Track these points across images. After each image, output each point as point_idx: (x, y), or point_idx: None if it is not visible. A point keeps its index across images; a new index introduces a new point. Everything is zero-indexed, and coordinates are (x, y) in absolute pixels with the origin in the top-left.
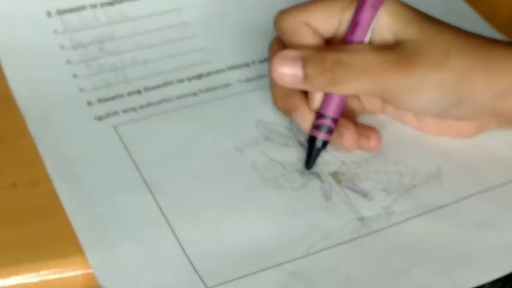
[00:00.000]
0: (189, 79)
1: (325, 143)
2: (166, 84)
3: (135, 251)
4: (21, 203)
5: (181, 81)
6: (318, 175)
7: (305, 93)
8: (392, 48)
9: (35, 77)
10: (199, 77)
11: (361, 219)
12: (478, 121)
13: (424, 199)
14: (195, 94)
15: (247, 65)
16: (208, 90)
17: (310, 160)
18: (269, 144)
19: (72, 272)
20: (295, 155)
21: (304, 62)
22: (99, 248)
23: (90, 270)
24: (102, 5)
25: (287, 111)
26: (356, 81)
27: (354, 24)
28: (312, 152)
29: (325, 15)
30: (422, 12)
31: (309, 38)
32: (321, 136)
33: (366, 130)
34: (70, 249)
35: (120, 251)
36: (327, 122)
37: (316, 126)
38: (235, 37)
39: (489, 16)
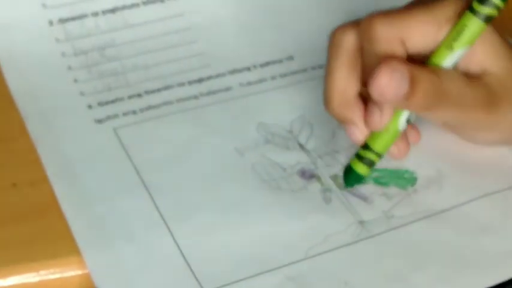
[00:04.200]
0: (190, 83)
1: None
2: (167, 87)
3: (132, 253)
4: (21, 203)
5: (182, 84)
6: (318, 178)
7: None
8: (479, 82)
9: (35, 82)
10: (200, 80)
11: (361, 222)
12: None
13: (424, 203)
14: (195, 97)
15: (248, 69)
16: (209, 93)
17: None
18: (269, 147)
19: (72, 272)
20: (296, 157)
21: (414, 80)
22: (97, 249)
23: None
24: (104, 12)
25: (341, 120)
26: (447, 111)
27: None
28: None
29: (424, 33)
30: (509, 44)
31: (398, 54)
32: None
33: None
34: (70, 249)
35: (118, 253)
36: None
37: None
38: (236, 41)
39: None
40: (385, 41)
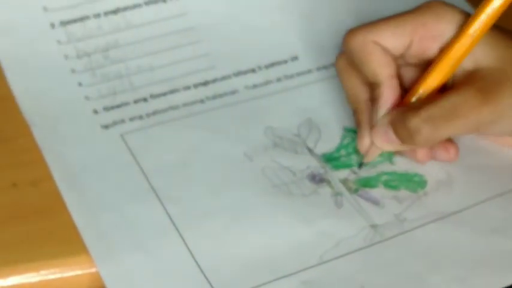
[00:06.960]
0: (195, 86)
1: None
2: (172, 91)
3: (145, 262)
4: (21, 203)
5: (187, 88)
6: (328, 182)
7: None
8: (472, 78)
9: (40, 87)
10: (205, 83)
11: (374, 226)
12: None
13: (436, 206)
14: (201, 101)
15: (253, 70)
16: (215, 97)
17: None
18: (278, 151)
19: (72, 271)
20: (305, 161)
21: (394, 127)
22: (109, 259)
23: (90, 270)
24: (106, 13)
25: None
26: (450, 128)
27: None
28: None
29: (395, 34)
30: (496, 30)
31: (378, 56)
32: None
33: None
34: (70, 249)
35: (130, 262)
36: None
37: None
38: (240, 42)
39: None
40: (360, 47)
